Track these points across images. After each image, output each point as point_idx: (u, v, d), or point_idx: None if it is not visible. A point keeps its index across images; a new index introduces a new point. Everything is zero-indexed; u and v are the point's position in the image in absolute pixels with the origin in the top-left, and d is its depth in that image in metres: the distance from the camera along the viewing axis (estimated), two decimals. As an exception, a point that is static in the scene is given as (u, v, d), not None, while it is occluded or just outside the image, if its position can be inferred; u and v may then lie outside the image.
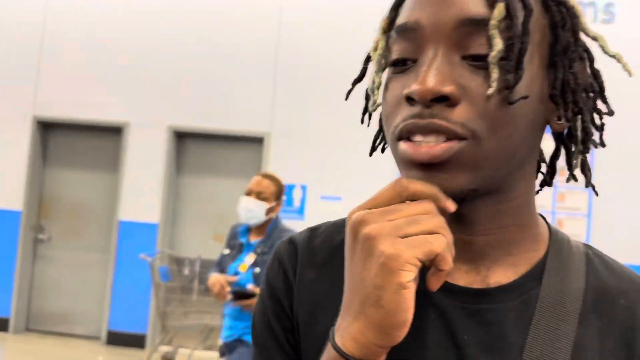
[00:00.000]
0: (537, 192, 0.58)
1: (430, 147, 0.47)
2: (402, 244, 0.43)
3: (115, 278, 5.05)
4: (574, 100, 0.52)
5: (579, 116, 0.54)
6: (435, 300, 0.52)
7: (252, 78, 5.04)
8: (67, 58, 5.25)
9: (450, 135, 0.47)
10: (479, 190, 0.49)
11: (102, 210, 5.26)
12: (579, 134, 0.55)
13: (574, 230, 4.69)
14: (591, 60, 0.55)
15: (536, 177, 0.57)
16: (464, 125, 0.47)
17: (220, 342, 2.59)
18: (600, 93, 0.55)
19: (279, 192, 2.65)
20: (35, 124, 5.27)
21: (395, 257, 0.42)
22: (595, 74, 0.55)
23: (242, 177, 5.12)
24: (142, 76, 5.17)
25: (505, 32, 0.47)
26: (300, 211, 4.88)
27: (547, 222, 0.58)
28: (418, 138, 0.48)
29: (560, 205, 4.73)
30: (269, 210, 2.58)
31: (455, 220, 0.50)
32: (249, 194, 2.59)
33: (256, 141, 5.05)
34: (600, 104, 0.56)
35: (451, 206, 0.47)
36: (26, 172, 5.24)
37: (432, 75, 0.46)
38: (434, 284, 0.45)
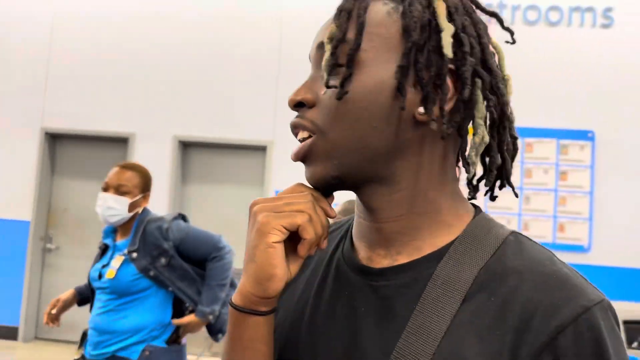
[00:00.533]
0: (474, 190, 0.62)
1: (295, 149, 0.61)
2: (273, 216, 0.56)
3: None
4: (425, 90, 0.56)
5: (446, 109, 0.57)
6: (351, 280, 0.62)
7: (255, 87, 5.12)
8: (73, 71, 5.34)
9: (307, 131, 0.59)
10: (341, 177, 0.58)
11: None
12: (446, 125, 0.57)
13: (576, 234, 4.73)
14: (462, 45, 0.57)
15: (453, 171, 0.61)
16: (313, 122, 0.58)
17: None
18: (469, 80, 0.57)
19: (144, 184, 2.28)
20: (44, 135, 5.36)
21: (266, 224, 0.55)
22: (460, 61, 0.57)
23: (247, 185, 5.20)
24: (147, 87, 5.26)
25: (337, 45, 0.58)
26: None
27: (478, 211, 0.62)
28: (298, 137, 0.61)
29: (562, 210, 4.78)
30: (133, 205, 2.22)
31: (367, 211, 0.61)
32: (106, 189, 2.22)
33: (260, 149, 5.14)
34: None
35: (329, 211, 0.60)
36: (35, 183, 5.32)
37: (298, 89, 0.60)
38: (302, 250, 0.57)
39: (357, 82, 0.56)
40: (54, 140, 5.49)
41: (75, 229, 5.44)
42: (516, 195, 0.63)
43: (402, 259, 0.59)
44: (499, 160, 0.60)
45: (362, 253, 0.62)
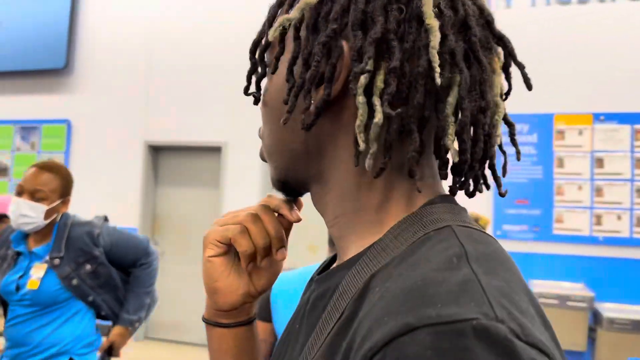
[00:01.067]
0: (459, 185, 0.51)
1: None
2: (212, 230, 0.57)
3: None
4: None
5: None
6: (306, 292, 0.58)
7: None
8: (170, 88, 5.70)
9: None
10: (283, 181, 0.56)
11: (208, 224, 5.62)
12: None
13: (614, 226, 4.30)
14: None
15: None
16: (260, 128, 0.58)
17: None
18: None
19: (63, 188, 1.99)
20: (147, 147, 5.77)
21: (205, 238, 0.57)
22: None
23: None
24: (237, 99, 5.49)
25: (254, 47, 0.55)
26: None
27: (430, 203, 0.49)
28: None
29: (599, 200, 4.37)
30: (50, 212, 1.93)
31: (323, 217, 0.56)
32: (20, 192, 1.92)
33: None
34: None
35: (294, 217, 0.59)
36: (140, 192, 5.74)
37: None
38: (242, 263, 0.57)
39: (270, 83, 0.54)
40: (156, 151, 5.89)
41: (178, 234, 5.79)
42: (500, 194, 0.52)
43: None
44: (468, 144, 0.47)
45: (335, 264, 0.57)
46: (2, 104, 6.49)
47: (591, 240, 4.38)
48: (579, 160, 4.44)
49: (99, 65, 6.07)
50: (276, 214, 0.60)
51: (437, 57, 0.43)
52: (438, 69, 0.43)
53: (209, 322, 0.61)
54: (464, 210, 0.49)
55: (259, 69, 0.54)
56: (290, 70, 0.49)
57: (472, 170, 0.49)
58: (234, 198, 5.42)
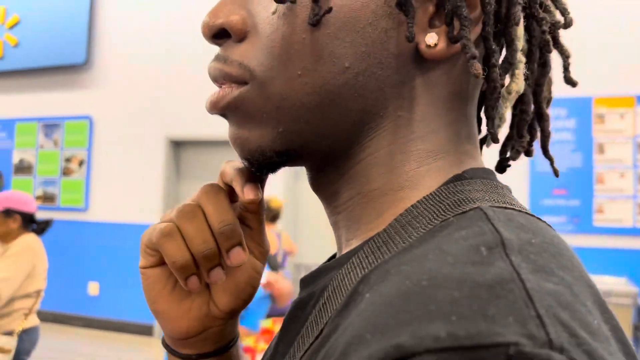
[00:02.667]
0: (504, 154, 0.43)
1: (212, 95, 0.38)
2: (145, 231, 0.41)
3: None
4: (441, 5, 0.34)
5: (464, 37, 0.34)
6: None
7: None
8: (192, 81, 5.60)
9: (234, 82, 0.36)
10: (290, 152, 0.37)
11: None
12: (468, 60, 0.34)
13: None
14: None
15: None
16: (242, 64, 0.36)
17: None
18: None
19: None
20: (168, 142, 5.69)
21: (141, 244, 0.41)
22: None
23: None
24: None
25: None
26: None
27: (464, 177, 0.36)
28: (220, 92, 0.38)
29: None
30: None
31: (322, 201, 0.41)
32: None
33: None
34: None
35: (246, 195, 0.40)
36: (162, 187, 5.67)
37: (217, 5, 0.37)
38: (178, 278, 0.40)
39: None
40: (177, 146, 5.80)
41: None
42: (555, 174, 0.42)
43: None
44: (531, 117, 0.40)
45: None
46: (25, 101, 6.50)
47: (635, 232, 4.17)
48: (621, 146, 4.23)
49: (119, 60, 6.01)
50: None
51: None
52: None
53: (168, 349, 0.46)
54: (505, 188, 0.37)
55: None
56: None
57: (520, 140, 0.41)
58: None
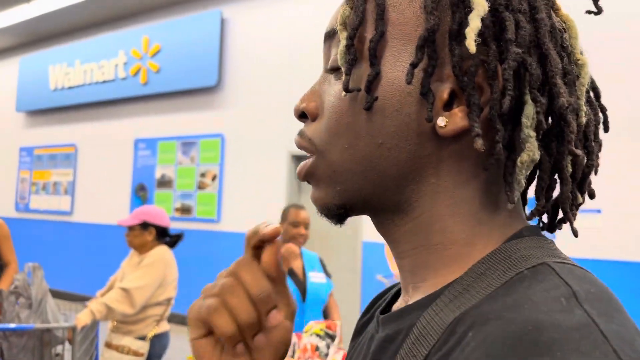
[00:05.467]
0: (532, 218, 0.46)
1: (299, 167, 0.49)
2: (192, 306, 0.46)
3: (363, 297, 5.30)
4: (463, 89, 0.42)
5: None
6: (370, 330, 0.52)
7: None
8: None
9: (307, 151, 0.48)
10: (346, 206, 0.47)
11: (349, 232, 5.60)
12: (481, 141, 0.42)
13: None
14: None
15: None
16: (310, 140, 0.47)
17: None
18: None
19: None
20: (290, 157, 5.93)
21: (188, 315, 0.46)
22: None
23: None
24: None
25: (354, 33, 0.45)
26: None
27: (515, 237, 0.44)
28: None
29: None
30: None
31: (388, 244, 0.49)
32: None
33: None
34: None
35: (266, 230, 0.46)
36: (285, 201, 5.92)
37: (303, 95, 0.48)
38: (228, 346, 0.46)
39: (380, 84, 0.44)
40: (299, 161, 6.03)
41: (322, 241, 5.85)
42: (574, 234, 0.48)
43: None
44: (547, 183, 0.45)
45: (399, 300, 0.52)
46: (166, 122, 7.16)
47: None
48: None
49: (246, 82, 6.41)
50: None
51: (584, 94, 0.43)
52: (584, 107, 0.43)
53: None
54: (552, 243, 0.44)
55: (372, 70, 0.44)
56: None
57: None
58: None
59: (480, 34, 0.41)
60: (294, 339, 1.93)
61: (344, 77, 0.44)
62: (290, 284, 2.57)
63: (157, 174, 7.14)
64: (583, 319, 0.33)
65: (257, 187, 6.18)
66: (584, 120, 0.43)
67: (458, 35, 0.41)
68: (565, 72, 0.43)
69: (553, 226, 0.48)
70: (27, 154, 9.15)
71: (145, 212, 2.99)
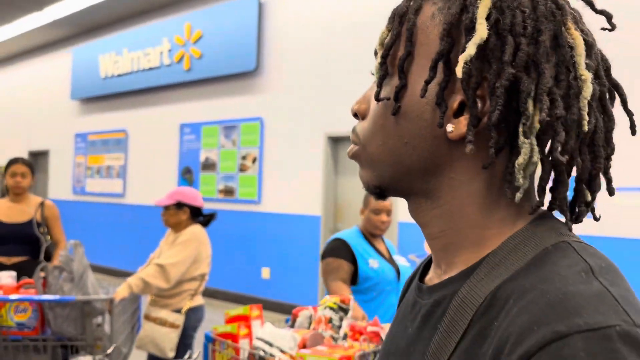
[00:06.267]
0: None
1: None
2: None
3: (399, 276, 5.37)
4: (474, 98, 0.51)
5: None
6: (410, 300, 0.61)
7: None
8: (350, 79, 5.86)
9: (353, 143, 0.60)
10: (382, 188, 0.58)
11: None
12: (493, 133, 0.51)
13: None
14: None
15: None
16: (357, 134, 0.59)
17: None
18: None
19: None
20: (327, 139, 6.02)
21: None
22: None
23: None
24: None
25: (387, 53, 0.55)
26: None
27: (533, 220, 0.53)
28: None
29: None
30: None
31: (419, 225, 0.58)
32: None
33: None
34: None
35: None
36: (322, 182, 6.02)
37: (360, 98, 0.60)
38: None
39: (406, 94, 0.55)
40: (336, 143, 6.11)
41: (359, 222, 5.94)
42: (595, 218, 0.56)
43: (444, 277, 0.57)
44: (547, 182, 0.52)
45: (431, 273, 0.61)
46: (208, 107, 7.37)
47: None
48: None
49: (284, 65, 6.52)
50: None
51: (587, 106, 0.49)
52: (587, 117, 0.49)
53: None
54: (564, 225, 0.53)
55: (399, 83, 0.54)
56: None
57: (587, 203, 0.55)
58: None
59: (485, 55, 0.50)
60: (311, 311, 2.01)
61: (376, 88, 0.56)
62: (386, 265, 2.68)
63: (202, 157, 7.39)
64: (599, 288, 0.43)
65: (295, 169, 6.31)
66: (586, 128, 0.49)
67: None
68: (568, 86, 0.49)
69: (577, 219, 0.56)
70: (82, 140, 9.62)
71: (180, 192, 3.15)
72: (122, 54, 8.66)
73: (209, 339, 1.81)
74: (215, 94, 7.32)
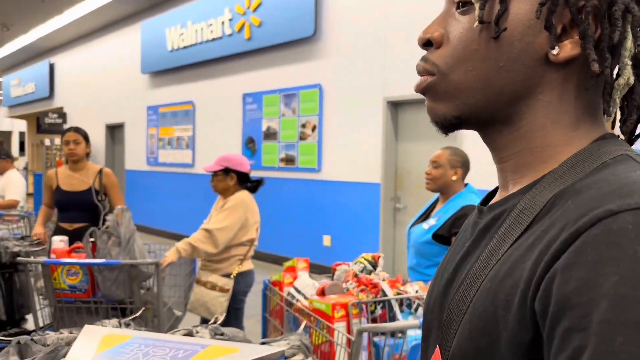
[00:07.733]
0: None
1: (416, 82, 0.60)
2: None
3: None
4: (573, 20, 0.53)
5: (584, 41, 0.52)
6: (471, 222, 0.63)
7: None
8: (408, 41, 5.64)
9: (427, 75, 0.58)
10: (462, 118, 0.57)
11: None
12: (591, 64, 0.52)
13: None
14: None
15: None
16: (434, 63, 0.57)
17: None
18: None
19: None
20: (386, 104, 5.86)
21: None
22: None
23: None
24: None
25: None
26: None
27: (600, 140, 0.55)
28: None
29: None
30: None
31: (491, 152, 0.60)
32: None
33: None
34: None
35: None
36: (382, 149, 5.90)
37: (428, 26, 0.58)
38: None
39: (506, 17, 0.54)
40: (395, 107, 5.94)
41: (419, 189, 5.79)
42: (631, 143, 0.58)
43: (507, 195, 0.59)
44: (638, 103, 0.55)
45: (495, 198, 0.62)
46: (268, 75, 7.38)
47: None
48: None
49: (342, 30, 6.37)
50: None
51: None
52: None
53: None
54: (629, 145, 0.56)
55: (501, 6, 0.54)
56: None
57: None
58: (474, 150, 5.14)
59: None
60: (345, 266, 2.13)
61: (477, 11, 0.54)
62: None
63: (264, 126, 7.44)
64: None
65: (355, 135, 6.21)
66: None
67: None
68: None
69: (632, 139, 0.58)
70: (154, 112, 9.96)
71: (227, 159, 3.18)
72: (187, 26, 8.80)
73: (265, 286, 2.22)
74: (274, 62, 7.31)
